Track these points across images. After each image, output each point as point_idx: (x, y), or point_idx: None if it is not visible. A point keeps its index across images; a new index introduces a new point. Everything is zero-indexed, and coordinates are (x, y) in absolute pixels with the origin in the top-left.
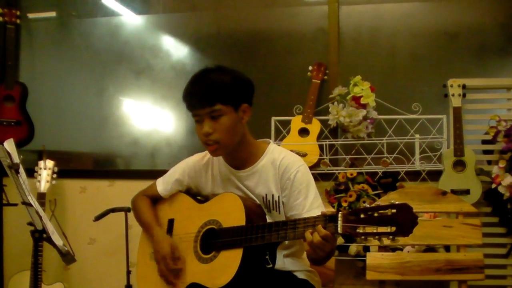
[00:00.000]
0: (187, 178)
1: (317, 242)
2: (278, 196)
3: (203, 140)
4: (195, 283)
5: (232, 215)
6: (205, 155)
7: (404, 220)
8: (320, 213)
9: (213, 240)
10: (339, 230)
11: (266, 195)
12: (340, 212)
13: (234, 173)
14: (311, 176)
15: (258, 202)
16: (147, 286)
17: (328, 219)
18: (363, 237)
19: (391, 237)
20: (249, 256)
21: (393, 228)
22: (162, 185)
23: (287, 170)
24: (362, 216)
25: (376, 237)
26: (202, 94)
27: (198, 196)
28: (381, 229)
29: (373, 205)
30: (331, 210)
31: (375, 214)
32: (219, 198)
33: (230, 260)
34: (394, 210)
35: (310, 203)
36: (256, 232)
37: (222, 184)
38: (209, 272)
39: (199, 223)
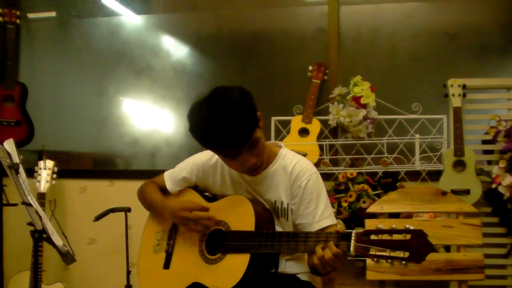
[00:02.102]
0: (195, 177)
1: (328, 258)
2: (288, 204)
3: (247, 170)
4: (197, 283)
5: (241, 218)
6: (214, 154)
7: (418, 247)
8: (330, 223)
9: (219, 241)
10: (351, 250)
11: (275, 201)
12: (353, 231)
13: (245, 177)
14: (322, 184)
15: (267, 206)
16: (150, 280)
17: (341, 237)
18: (375, 259)
19: (404, 262)
20: (256, 262)
21: (407, 254)
22: (170, 181)
23: (299, 177)
24: (375, 237)
25: (389, 260)
26: (236, 135)
27: (205, 192)
28: (394, 253)
29: (388, 228)
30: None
31: (389, 237)
32: (229, 200)
33: (236, 265)
34: (409, 236)
35: (321, 213)
36: (265, 240)
37: (232, 186)
38: (213, 274)
39: None
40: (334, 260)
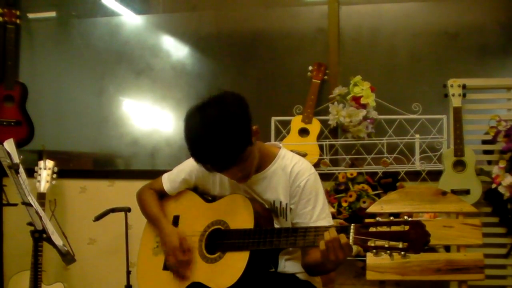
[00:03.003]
0: (194, 179)
1: (333, 238)
2: (286, 204)
3: (235, 180)
4: (197, 282)
5: (240, 217)
6: None
7: (416, 237)
8: (326, 225)
9: (219, 240)
10: (351, 241)
11: (274, 201)
12: (352, 224)
13: None
14: (321, 185)
15: (266, 205)
16: (149, 282)
17: (340, 230)
18: (374, 250)
19: (402, 253)
20: (255, 259)
21: (405, 244)
22: (168, 183)
23: (298, 177)
24: (374, 229)
25: (388, 252)
26: (222, 158)
27: (205, 194)
28: (393, 244)
29: (386, 219)
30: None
31: (388, 229)
32: (228, 199)
33: (235, 262)
34: (407, 227)
35: (318, 213)
36: (264, 236)
37: (230, 187)
38: (213, 273)
39: (206, 223)
40: (339, 246)
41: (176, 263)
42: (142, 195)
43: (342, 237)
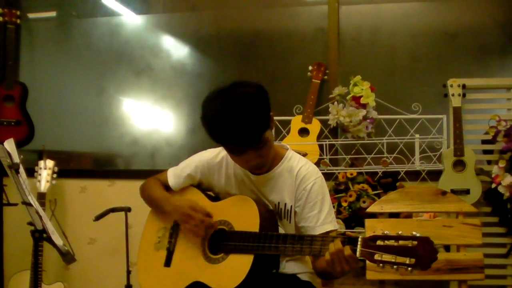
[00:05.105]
0: (199, 175)
1: (338, 251)
2: (291, 206)
3: (249, 168)
4: (198, 282)
5: (245, 219)
6: (219, 152)
7: (424, 254)
8: (332, 228)
9: (222, 241)
10: (358, 254)
11: (278, 203)
12: (360, 237)
13: (250, 176)
14: (327, 188)
15: (271, 208)
16: (150, 278)
17: (347, 241)
18: (381, 264)
19: (409, 269)
20: (258, 263)
21: (413, 260)
22: (173, 178)
23: (304, 180)
24: (382, 243)
25: (395, 266)
26: (245, 135)
27: (209, 191)
28: (400, 259)
29: (394, 234)
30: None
31: (396, 243)
32: (234, 200)
33: (239, 265)
34: (415, 242)
35: (324, 217)
36: (269, 241)
37: (236, 185)
38: (215, 273)
39: None
40: (344, 257)
41: (199, 222)
42: (147, 183)
43: (347, 249)
